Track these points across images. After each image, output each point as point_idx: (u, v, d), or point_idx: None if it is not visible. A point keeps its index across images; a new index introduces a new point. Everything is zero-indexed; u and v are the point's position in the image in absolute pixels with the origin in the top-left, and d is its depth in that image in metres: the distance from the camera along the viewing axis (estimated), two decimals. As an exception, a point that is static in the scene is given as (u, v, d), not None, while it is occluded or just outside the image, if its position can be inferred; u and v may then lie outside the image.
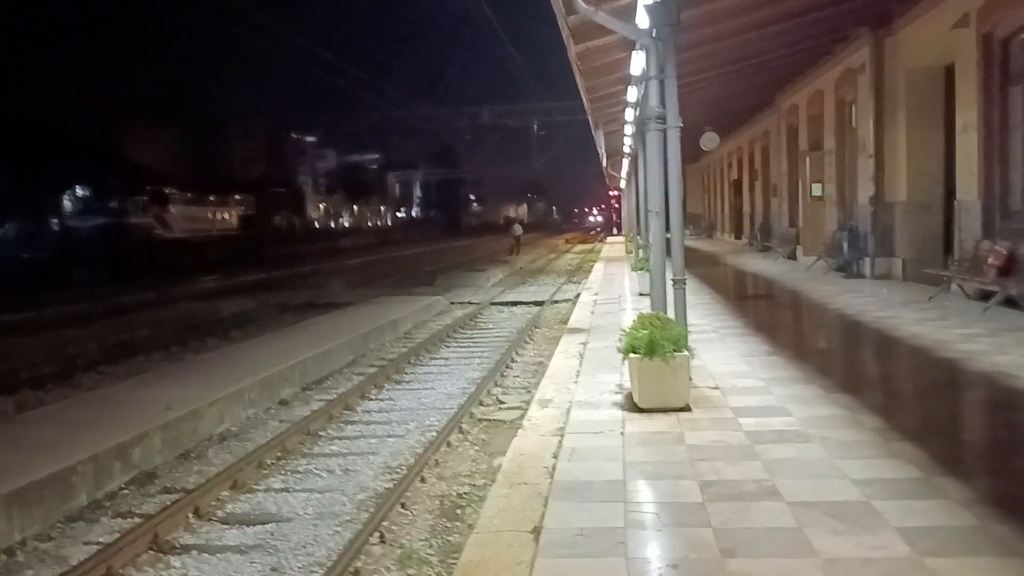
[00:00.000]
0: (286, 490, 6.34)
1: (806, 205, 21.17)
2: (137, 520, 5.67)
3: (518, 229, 46.54)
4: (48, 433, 6.98)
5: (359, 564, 4.76)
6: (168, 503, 5.88)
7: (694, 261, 24.23)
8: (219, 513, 5.88)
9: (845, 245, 16.78)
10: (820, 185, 20.21)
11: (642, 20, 7.29)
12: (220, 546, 5.27)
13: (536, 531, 4.04)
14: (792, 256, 22.40)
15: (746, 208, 33.42)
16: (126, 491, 6.46)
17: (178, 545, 5.32)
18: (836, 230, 18.07)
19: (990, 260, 10.91)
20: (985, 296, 10.98)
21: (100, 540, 5.40)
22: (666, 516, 4.17)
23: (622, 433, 5.72)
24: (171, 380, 9.40)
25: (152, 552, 5.17)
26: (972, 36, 11.84)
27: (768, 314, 12.94)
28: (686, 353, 6.23)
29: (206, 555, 5.12)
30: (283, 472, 6.81)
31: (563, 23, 8.59)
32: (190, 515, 5.71)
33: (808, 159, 20.90)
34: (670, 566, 3.58)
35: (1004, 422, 5.99)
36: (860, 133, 16.68)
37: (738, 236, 35.36)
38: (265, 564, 4.93)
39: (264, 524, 5.61)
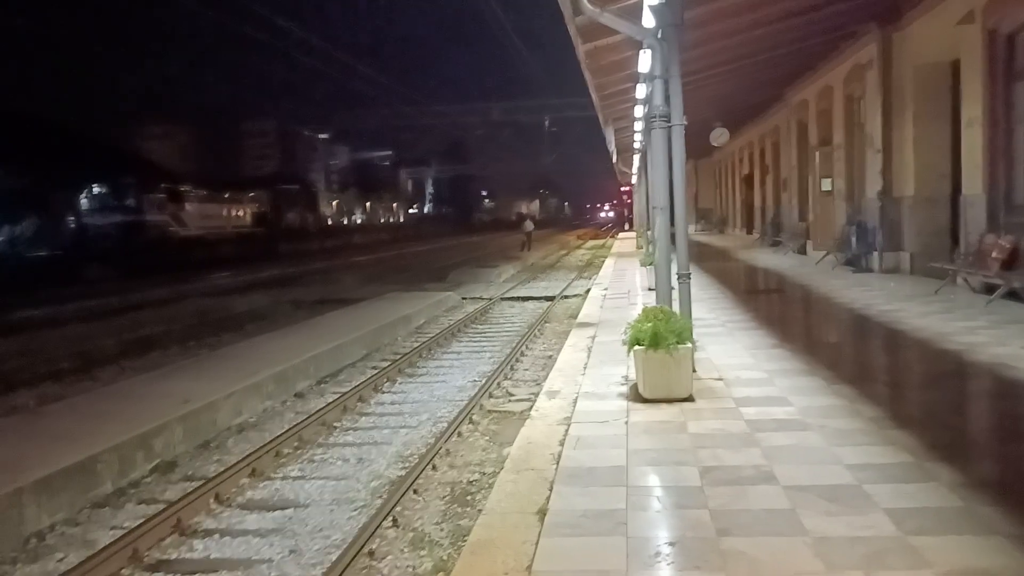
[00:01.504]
0: (303, 478, 6.57)
1: (816, 200, 21.29)
2: (160, 506, 5.89)
3: (529, 225, 46.64)
4: (71, 425, 7.23)
5: (374, 546, 4.97)
6: (190, 490, 6.10)
7: (704, 256, 24.38)
8: (239, 499, 6.11)
9: (853, 239, 16.90)
10: (829, 180, 20.33)
11: (647, 20, 7.45)
12: (241, 530, 5.49)
13: (541, 513, 4.24)
14: (802, 250, 22.50)
15: (757, 203, 33.47)
16: (149, 479, 6.70)
17: (200, 529, 5.55)
18: (845, 224, 18.16)
19: (994, 254, 11.03)
20: (989, 289, 11.08)
21: (125, 525, 5.63)
22: (666, 499, 4.37)
23: (626, 422, 5.91)
24: (189, 374, 9.64)
25: (176, 536, 5.40)
26: (977, 32, 11.94)
27: (775, 308, 13.08)
28: (689, 345, 6.41)
29: (228, 538, 5.34)
30: (300, 461, 7.03)
31: (571, 23, 8.76)
32: (211, 501, 5.94)
33: (817, 154, 21.02)
34: (668, 544, 3.77)
35: (997, 410, 6.17)
36: (868, 128, 16.77)
37: (749, 231, 35.42)
38: (284, 547, 5.15)
39: (282, 509, 5.84)
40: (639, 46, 9.52)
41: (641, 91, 13.07)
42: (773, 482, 4.50)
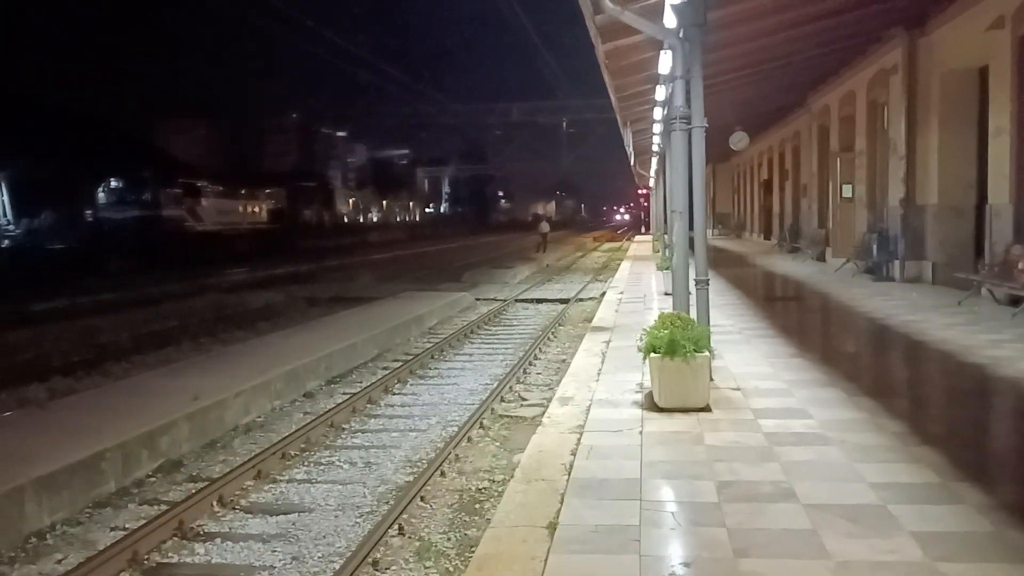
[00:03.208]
0: (309, 481, 6.45)
1: (836, 206, 21.01)
2: (163, 507, 5.79)
3: (545, 226, 46.37)
4: (79, 420, 7.15)
5: (378, 555, 4.83)
6: (193, 491, 6.00)
7: (722, 261, 24.14)
8: (243, 502, 6.00)
9: (874, 247, 16.64)
10: (851, 186, 20.06)
11: (669, 20, 7.28)
12: (243, 534, 5.37)
13: (551, 527, 4.09)
14: (821, 257, 22.23)
15: (776, 208, 33.16)
16: (153, 478, 6.60)
17: (202, 532, 5.43)
18: (866, 232, 17.90)
19: (1020, 265, 10.78)
20: (1015, 301, 10.84)
21: (127, 526, 5.53)
22: (681, 515, 4.21)
23: (641, 432, 5.75)
24: (199, 370, 9.55)
25: (177, 539, 5.29)
26: (1007, 38, 11.69)
27: (794, 316, 12.86)
28: (707, 353, 6.24)
29: (229, 543, 5.22)
30: (306, 463, 6.92)
31: (590, 22, 8.59)
32: (214, 503, 5.83)
33: (839, 160, 20.73)
34: (682, 564, 3.61)
35: (1026, 429, 5.95)
36: (892, 135, 16.50)
37: (767, 236, 35.10)
38: (287, 553, 5.02)
39: (286, 514, 5.71)
40: (660, 46, 9.35)
41: (661, 93, 12.88)
42: (793, 500, 4.33)
